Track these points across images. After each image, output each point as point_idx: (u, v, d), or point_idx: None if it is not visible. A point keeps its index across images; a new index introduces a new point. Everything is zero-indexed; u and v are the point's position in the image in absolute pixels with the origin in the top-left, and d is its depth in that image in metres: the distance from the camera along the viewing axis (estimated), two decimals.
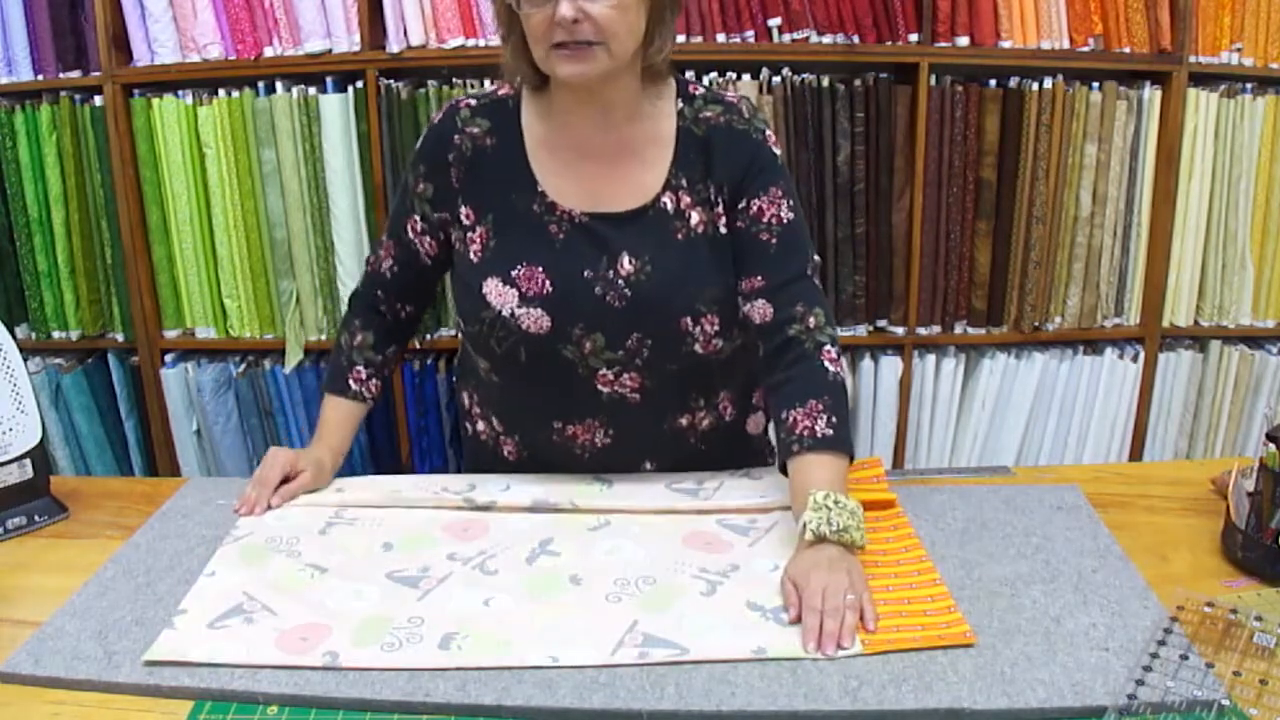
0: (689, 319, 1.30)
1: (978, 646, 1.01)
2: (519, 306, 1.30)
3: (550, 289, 1.30)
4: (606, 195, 1.32)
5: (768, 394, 1.36)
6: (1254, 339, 2.46)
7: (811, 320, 1.29)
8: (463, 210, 1.35)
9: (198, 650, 1.02)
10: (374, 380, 1.48)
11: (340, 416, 1.47)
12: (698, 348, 1.32)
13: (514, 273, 1.31)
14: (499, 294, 1.31)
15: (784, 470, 1.26)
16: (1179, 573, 1.17)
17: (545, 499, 1.32)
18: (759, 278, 1.31)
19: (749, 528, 1.26)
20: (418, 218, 1.38)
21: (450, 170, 1.34)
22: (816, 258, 1.35)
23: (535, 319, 1.30)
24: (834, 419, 1.24)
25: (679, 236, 1.31)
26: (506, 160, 1.33)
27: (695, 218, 1.31)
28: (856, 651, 1.01)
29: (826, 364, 1.28)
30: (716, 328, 1.32)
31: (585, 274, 1.30)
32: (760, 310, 1.31)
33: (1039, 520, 1.27)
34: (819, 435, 1.23)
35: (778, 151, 1.35)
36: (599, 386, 1.34)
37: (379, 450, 2.46)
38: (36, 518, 1.33)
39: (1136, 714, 0.92)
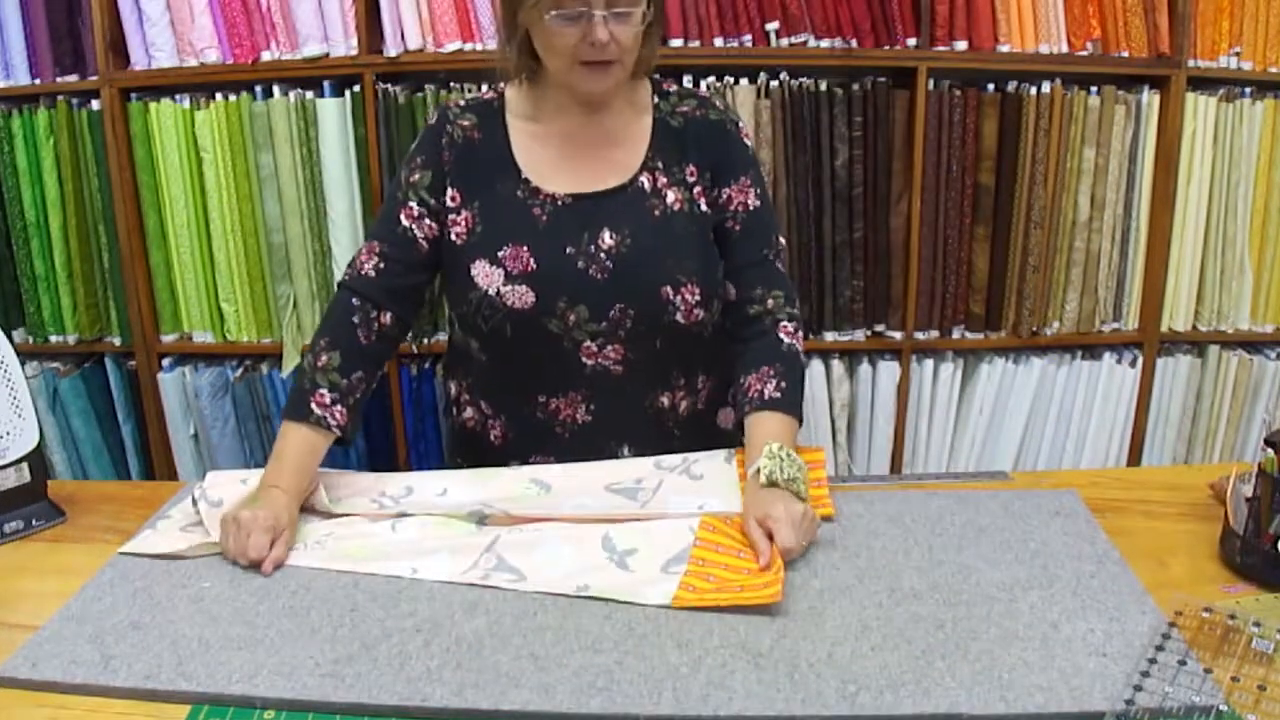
0: (669, 288, 1.37)
1: (975, 652, 1.01)
2: (504, 285, 1.36)
3: (535, 266, 1.36)
4: (587, 177, 1.40)
5: (731, 364, 1.46)
6: (1252, 344, 2.46)
7: (770, 301, 1.43)
8: (449, 192, 1.40)
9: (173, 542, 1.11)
10: (339, 407, 1.33)
11: (300, 450, 1.30)
12: (679, 317, 1.38)
13: (500, 253, 1.37)
14: (486, 274, 1.37)
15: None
16: (1177, 578, 1.17)
17: (480, 504, 1.29)
18: (725, 261, 1.43)
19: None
20: (414, 204, 1.41)
21: (444, 154, 1.41)
22: (782, 241, 1.47)
23: (520, 295, 1.36)
24: (783, 384, 1.38)
25: (656, 213, 1.39)
26: (492, 151, 1.41)
27: (671, 196, 1.40)
28: (663, 603, 1.08)
29: (781, 336, 1.42)
30: (697, 297, 1.38)
31: (568, 250, 1.37)
32: (729, 290, 1.45)
33: (1037, 525, 1.26)
34: (767, 397, 1.36)
35: (749, 142, 1.47)
36: (583, 359, 1.40)
37: (376, 452, 2.46)
38: (34, 522, 1.33)
39: (1134, 719, 0.92)
